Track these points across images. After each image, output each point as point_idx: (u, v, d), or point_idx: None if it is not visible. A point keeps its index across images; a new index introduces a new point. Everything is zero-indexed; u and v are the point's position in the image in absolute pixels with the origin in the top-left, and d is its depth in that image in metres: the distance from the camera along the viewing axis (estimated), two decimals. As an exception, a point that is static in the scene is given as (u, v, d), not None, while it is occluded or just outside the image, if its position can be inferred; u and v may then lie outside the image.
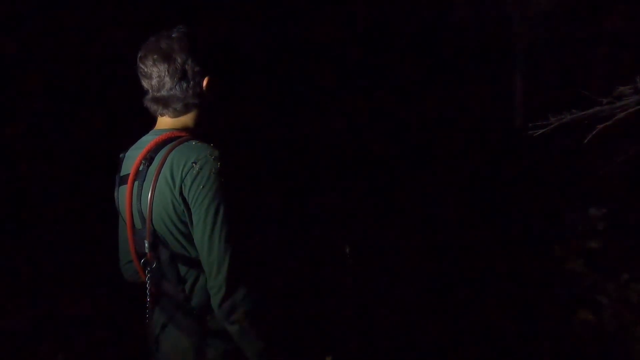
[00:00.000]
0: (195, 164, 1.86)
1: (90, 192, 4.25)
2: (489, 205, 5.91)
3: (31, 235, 4.33)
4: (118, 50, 4.45)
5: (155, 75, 1.96)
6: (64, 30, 4.40)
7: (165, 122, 2.02)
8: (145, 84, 2.00)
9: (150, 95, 2.00)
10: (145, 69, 1.97)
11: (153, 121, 2.07)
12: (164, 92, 1.97)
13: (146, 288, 2.00)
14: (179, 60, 1.94)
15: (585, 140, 3.32)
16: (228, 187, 1.87)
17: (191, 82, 1.96)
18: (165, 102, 1.98)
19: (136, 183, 1.96)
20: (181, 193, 1.87)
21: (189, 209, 1.88)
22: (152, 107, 2.01)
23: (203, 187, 1.85)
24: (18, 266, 4.24)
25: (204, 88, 1.98)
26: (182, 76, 1.95)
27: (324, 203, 5.38)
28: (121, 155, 2.08)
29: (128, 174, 2.00)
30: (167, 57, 1.94)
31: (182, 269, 1.95)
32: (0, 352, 3.99)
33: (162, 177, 1.90)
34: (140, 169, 1.96)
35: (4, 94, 4.28)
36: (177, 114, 1.99)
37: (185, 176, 1.86)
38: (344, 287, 4.91)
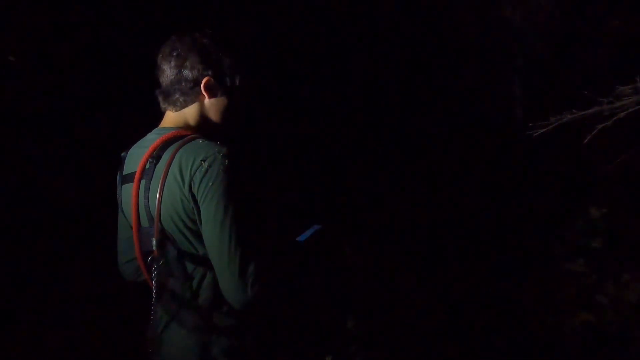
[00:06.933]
0: (204, 161, 1.88)
1: (87, 192, 4.26)
2: (489, 205, 5.91)
3: (32, 235, 4.33)
4: (122, 50, 4.47)
5: (164, 68, 2.04)
6: (68, 29, 4.40)
7: (168, 118, 2.07)
8: (159, 78, 2.08)
9: (159, 89, 2.08)
10: (158, 63, 2.06)
11: (152, 121, 2.11)
12: (167, 84, 2.04)
13: (149, 286, 2.00)
14: (183, 55, 2.01)
15: (585, 140, 3.32)
16: (236, 184, 1.89)
17: (190, 76, 2.01)
18: (166, 94, 2.05)
19: (143, 181, 1.98)
20: (190, 190, 1.89)
21: (198, 206, 1.89)
22: (159, 100, 2.08)
23: (212, 184, 1.86)
24: (19, 265, 4.24)
25: (202, 86, 2.02)
26: (183, 70, 2.02)
27: (325, 202, 5.38)
28: (122, 154, 2.11)
29: (132, 173, 2.02)
30: (174, 52, 2.02)
31: (190, 267, 1.96)
32: (1, 351, 3.99)
33: (170, 175, 1.91)
34: (147, 167, 1.98)
35: (5, 93, 4.28)
36: (177, 108, 2.05)
37: (195, 173, 1.88)
38: (343, 286, 4.91)
